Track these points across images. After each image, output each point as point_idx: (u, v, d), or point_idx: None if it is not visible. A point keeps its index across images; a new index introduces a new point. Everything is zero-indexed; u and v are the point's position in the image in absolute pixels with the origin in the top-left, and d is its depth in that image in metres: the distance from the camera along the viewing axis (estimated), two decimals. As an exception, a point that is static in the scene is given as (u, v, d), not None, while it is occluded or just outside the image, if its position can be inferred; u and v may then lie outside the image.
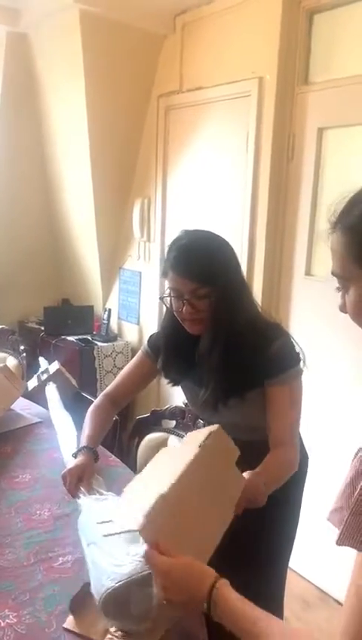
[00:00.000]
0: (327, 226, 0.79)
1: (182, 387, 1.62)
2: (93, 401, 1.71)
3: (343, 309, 0.83)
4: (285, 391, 1.41)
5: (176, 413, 1.85)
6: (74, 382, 2.35)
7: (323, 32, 2.43)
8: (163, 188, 3.25)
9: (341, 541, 0.72)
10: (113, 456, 1.86)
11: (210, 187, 2.94)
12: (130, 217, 3.44)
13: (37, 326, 3.80)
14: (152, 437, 1.90)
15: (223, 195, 2.86)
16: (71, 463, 1.48)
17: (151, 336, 1.66)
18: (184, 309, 1.39)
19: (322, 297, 2.47)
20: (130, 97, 3.18)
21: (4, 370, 2.17)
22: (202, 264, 1.38)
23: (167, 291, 1.44)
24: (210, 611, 0.87)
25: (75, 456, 1.50)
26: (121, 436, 2.06)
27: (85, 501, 1.32)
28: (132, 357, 3.63)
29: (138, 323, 3.60)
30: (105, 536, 1.04)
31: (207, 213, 2.96)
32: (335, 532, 0.82)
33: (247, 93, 2.61)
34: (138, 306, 3.58)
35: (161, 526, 0.93)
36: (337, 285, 0.82)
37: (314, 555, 2.47)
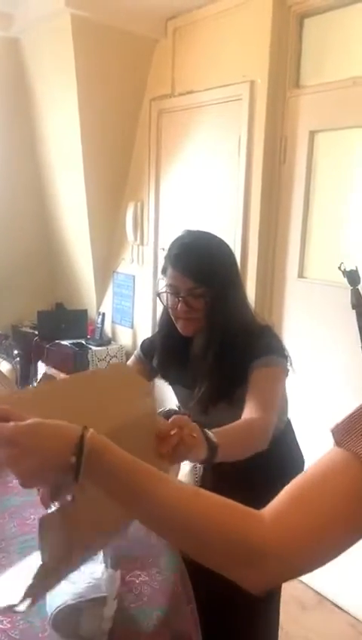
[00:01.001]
0: None
1: (173, 388, 1.62)
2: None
3: None
4: (268, 372, 1.38)
5: (170, 416, 1.84)
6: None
7: (314, 36, 2.45)
8: (156, 191, 3.25)
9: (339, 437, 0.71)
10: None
11: (203, 190, 2.95)
12: (123, 221, 3.44)
13: (31, 330, 3.79)
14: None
15: (216, 198, 2.87)
16: None
17: (143, 341, 1.66)
18: (179, 306, 1.40)
19: (315, 299, 2.48)
20: (123, 101, 3.18)
21: (-2, 374, 2.16)
22: (201, 264, 1.39)
23: (165, 288, 1.44)
24: (82, 465, 0.72)
25: None
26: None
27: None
28: (126, 361, 3.64)
29: (132, 326, 3.60)
30: None
31: (199, 216, 2.97)
32: None
33: (239, 96, 2.62)
34: (132, 310, 3.58)
35: None
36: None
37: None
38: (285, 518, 0.69)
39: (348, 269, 2.08)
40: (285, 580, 0.73)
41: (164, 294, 1.45)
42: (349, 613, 2.33)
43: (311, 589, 2.53)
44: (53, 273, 4.05)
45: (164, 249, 3.26)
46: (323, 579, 2.48)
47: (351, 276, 2.09)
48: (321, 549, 0.69)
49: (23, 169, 3.66)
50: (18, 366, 2.77)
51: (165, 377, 1.59)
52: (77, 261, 3.78)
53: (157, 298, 1.49)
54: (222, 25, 2.69)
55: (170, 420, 1.09)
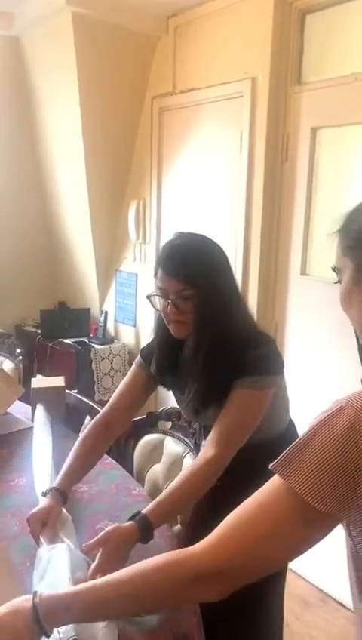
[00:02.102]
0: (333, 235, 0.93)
1: (172, 393, 1.61)
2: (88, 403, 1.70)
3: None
4: (251, 395, 1.36)
5: (172, 415, 1.84)
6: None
7: (316, 32, 2.44)
8: (158, 189, 3.25)
9: (273, 465, 0.80)
10: (110, 459, 1.85)
11: (205, 188, 2.95)
12: (125, 219, 3.44)
13: (34, 329, 3.79)
14: (149, 439, 1.90)
15: (218, 195, 2.86)
16: (40, 501, 1.39)
17: (143, 347, 1.62)
18: (169, 309, 1.39)
19: (317, 297, 2.47)
20: (124, 99, 3.18)
21: (1, 373, 2.16)
22: (190, 266, 1.37)
23: (155, 291, 1.43)
24: (42, 620, 0.85)
25: (44, 494, 1.40)
26: (118, 438, 2.05)
27: (41, 552, 1.23)
28: (129, 359, 3.65)
29: (134, 325, 3.60)
30: None
31: (202, 214, 2.96)
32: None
33: (240, 93, 2.61)
34: (134, 308, 3.57)
35: None
36: (335, 281, 0.95)
37: (314, 555, 2.46)
38: (226, 538, 0.82)
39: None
40: (235, 587, 0.83)
41: (155, 297, 1.43)
42: (352, 611, 2.33)
43: (315, 586, 2.53)
44: (55, 272, 4.06)
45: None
46: (327, 576, 2.48)
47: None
48: (255, 563, 0.82)
49: (25, 168, 3.67)
50: (21, 365, 2.77)
51: (162, 383, 1.57)
52: (79, 260, 3.78)
53: (149, 302, 1.46)
54: (223, 22, 2.68)
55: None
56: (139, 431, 1.94)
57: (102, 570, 1.10)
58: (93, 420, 1.58)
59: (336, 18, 2.33)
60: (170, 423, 1.87)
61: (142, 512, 1.24)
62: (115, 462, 1.83)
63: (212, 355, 1.38)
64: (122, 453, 1.97)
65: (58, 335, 3.61)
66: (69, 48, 2.86)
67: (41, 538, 1.29)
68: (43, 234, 3.91)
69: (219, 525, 0.84)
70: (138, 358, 1.61)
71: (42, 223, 3.88)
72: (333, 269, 0.94)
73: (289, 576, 2.67)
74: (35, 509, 1.35)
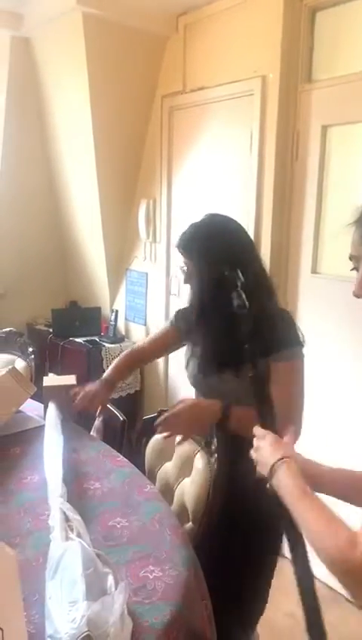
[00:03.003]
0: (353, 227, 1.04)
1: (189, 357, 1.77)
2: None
3: (354, 292, 1.03)
4: (286, 367, 1.47)
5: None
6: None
7: (326, 30, 2.43)
8: (168, 188, 3.25)
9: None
10: (121, 457, 1.86)
11: (215, 187, 2.95)
12: (135, 218, 3.45)
13: (45, 328, 3.82)
14: (160, 437, 1.90)
15: (228, 194, 2.86)
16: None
17: (178, 310, 1.88)
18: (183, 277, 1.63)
19: (328, 295, 2.46)
20: (134, 99, 3.19)
21: (13, 372, 2.18)
22: (188, 238, 1.59)
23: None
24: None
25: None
26: (129, 436, 2.06)
27: (53, 550, 1.25)
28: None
29: (145, 324, 3.61)
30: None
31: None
32: None
33: (250, 92, 2.61)
34: (145, 307, 3.58)
35: None
36: (351, 269, 1.04)
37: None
38: None
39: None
40: None
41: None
42: (365, 610, 2.32)
43: (326, 585, 2.52)
44: (66, 272, 4.08)
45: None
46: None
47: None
48: None
49: (36, 169, 3.69)
50: (33, 363, 2.78)
51: (188, 338, 1.77)
52: (90, 259, 3.80)
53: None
54: (233, 20, 2.68)
55: None
56: (150, 429, 1.94)
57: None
58: (133, 347, 2.06)
59: (347, 15, 2.32)
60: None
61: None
62: (126, 460, 1.84)
63: (221, 325, 1.49)
64: (134, 451, 1.98)
65: (69, 334, 3.63)
66: (79, 48, 2.87)
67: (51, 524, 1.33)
68: (54, 234, 3.93)
69: None
70: (171, 318, 1.91)
71: (53, 223, 3.90)
72: (350, 258, 1.04)
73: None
74: (86, 389, 1.72)
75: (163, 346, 1.95)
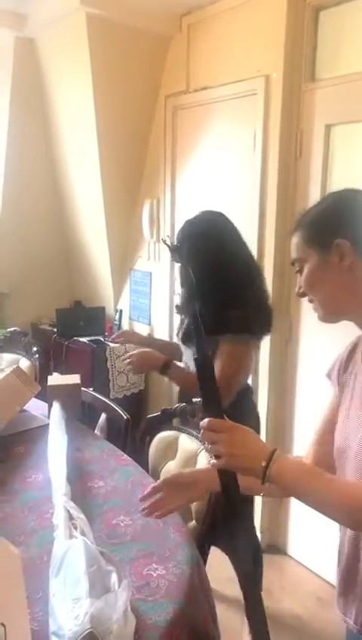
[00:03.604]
0: (290, 233, 1.15)
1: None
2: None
3: (298, 292, 1.12)
4: (226, 349, 1.80)
5: (187, 412, 1.85)
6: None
7: (329, 29, 2.43)
8: (172, 188, 3.26)
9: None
10: (125, 455, 1.87)
11: (219, 186, 2.95)
12: (139, 218, 3.45)
13: (49, 328, 3.83)
14: (163, 436, 1.91)
15: (232, 193, 2.87)
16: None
17: None
18: None
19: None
20: (138, 99, 3.19)
21: (18, 371, 2.19)
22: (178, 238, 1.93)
23: None
24: (268, 466, 0.94)
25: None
26: (133, 435, 2.07)
27: (56, 548, 1.26)
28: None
29: (149, 323, 3.61)
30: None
31: (215, 213, 2.97)
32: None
33: (254, 91, 2.61)
34: (149, 307, 3.59)
35: None
36: (296, 271, 1.13)
37: (327, 552, 2.46)
38: None
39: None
40: None
41: None
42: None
43: (329, 583, 2.53)
44: (71, 271, 4.09)
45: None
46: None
47: None
48: None
49: (40, 169, 3.70)
50: (37, 363, 2.80)
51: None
52: (94, 259, 3.81)
53: None
54: (236, 19, 2.68)
55: None
56: (154, 428, 1.96)
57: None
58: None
59: (350, 14, 2.32)
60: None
61: None
62: (130, 459, 1.85)
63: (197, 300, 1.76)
64: (137, 450, 1.99)
65: (74, 333, 3.63)
66: (82, 49, 2.88)
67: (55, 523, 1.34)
68: (58, 234, 3.94)
69: None
70: None
71: (57, 223, 3.91)
72: (292, 263, 1.14)
73: (302, 574, 2.69)
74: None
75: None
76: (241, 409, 1.90)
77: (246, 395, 2.03)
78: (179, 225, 3.25)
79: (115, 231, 3.54)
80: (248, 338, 1.85)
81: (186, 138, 3.12)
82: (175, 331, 2.27)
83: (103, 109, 3.07)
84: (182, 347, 2.06)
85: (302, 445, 1.24)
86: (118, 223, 3.53)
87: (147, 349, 2.07)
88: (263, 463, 0.93)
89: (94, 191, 3.37)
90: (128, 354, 2.04)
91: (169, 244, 1.96)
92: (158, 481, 1.33)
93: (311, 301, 1.13)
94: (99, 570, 1.12)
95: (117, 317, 3.67)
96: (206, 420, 0.98)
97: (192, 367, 1.94)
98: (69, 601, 1.04)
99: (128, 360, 2.02)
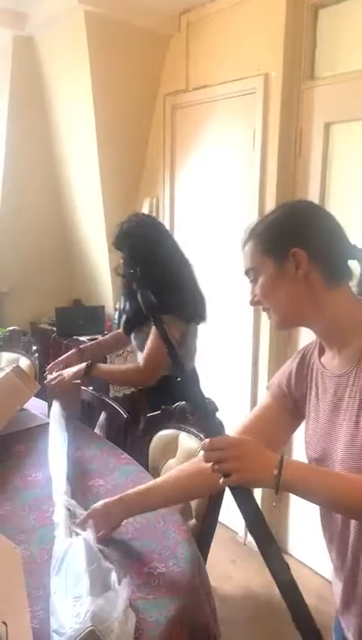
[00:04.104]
0: (242, 243, 1.14)
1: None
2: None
3: (252, 301, 1.12)
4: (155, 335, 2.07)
5: (186, 411, 1.86)
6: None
7: (329, 27, 2.43)
8: (171, 187, 3.26)
9: None
10: (125, 454, 1.87)
11: (218, 185, 2.95)
12: (139, 217, 3.45)
13: (49, 327, 3.83)
14: (163, 434, 1.91)
15: (231, 192, 2.87)
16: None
17: None
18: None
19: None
20: (137, 97, 3.19)
21: (17, 370, 2.18)
22: (117, 238, 2.26)
23: None
24: (280, 474, 0.91)
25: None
26: (133, 434, 2.07)
27: (57, 546, 1.26)
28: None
29: (149, 322, 3.61)
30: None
31: (215, 211, 2.97)
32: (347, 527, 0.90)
33: (253, 90, 2.61)
34: (148, 305, 3.58)
35: None
36: (250, 280, 1.12)
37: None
38: None
39: None
40: None
41: None
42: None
43: (329, 582, 2.53)
44: (70, 270, 4.08)
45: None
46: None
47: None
48: None
49: (39, 167, 3.69)
50: (37, 362, 2.80)
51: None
52: (93, 258, 3.80)
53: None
54: (235, 18, 2.68)
55: None
56: (154, 427, 1.96)
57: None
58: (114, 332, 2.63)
59: (349, 13, 2.32)
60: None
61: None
62: (130, 457, 1.85)
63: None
64: (137, 448, 1.99)
65: (73, 332, 3.63)
66: (81, 47, 2.88)
67: (56, 533, 1.32)
68: (57, 232, 3.93)
69: None
70: None
71: (56, 221, 3.90)
72: (246, 273, 1.12)
73: (303, 572, 2.69)
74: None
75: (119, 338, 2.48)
76: (164, 393, 2.06)
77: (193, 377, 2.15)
78: (178, 223, 3.29)
79: (114, 229, 3.53)
80: (168, 319, 1.87)
81: (185, 136, 3.12)
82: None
83: (102, 108, 3.06)
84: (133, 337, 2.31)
85: (302, 445, 1.24)
86: (118, 221, 3.49)
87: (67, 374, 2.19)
88: (275, 472, 0.91)
89: (93, 189, 3.36)
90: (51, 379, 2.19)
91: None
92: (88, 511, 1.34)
93: (265, 310, 1.13)
94: (99, 569, 1.12)
95: (116, 315, 3.66)
96: (206, 441, 0.96)
97: (140, 355, 2.24)
98: (70, 599, 1.04)
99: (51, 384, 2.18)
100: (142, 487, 1.35)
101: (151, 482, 1.39)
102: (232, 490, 0.95)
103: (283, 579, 0.91)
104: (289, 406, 1.20)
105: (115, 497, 1.34)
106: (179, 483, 1.30)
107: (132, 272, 2.13)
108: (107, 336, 2.69)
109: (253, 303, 1.12)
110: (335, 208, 2.45)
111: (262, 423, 1.22)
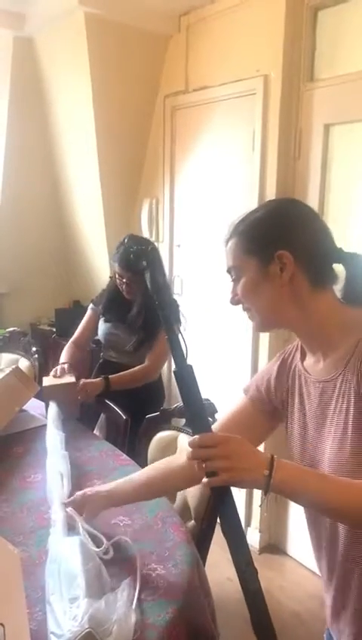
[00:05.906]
0: (225, 239, 1.12)
1: (105, 324, 2.59)
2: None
3: (233, 300, 1.10)
4: (159, 339, 2.37)
5: (184, 412, 1.85)
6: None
7: (328, 29, 2.43)
8: (170, 188, 3.26)
9: None
10: (124, 455, 1.87)
11: (218, 186, 2.95)
12: (138, 218, 3.45)
13: (48, 328, 3.83)
14: (162, 435, 1.91)
15: (231, 193, 2.87)
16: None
17: (94, 298, 2.70)
18: (123, 287, 2.43)
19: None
20: (137, 98, 3.19)
21: (17, 371, 2.19)
22: (129, 261, 2.22)
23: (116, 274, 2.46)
24: (271, 475, 0.87)
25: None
26: (132, 435, 2.07)
27: (52, 544, 1.26)
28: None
29: (148, 323, 3.60)
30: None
31: (214, 212, 2.97)
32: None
33: (253, 91, 2.61)
34: (148, 306, 3.58)
35: None
36: (232, 279, 1.10)
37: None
38: None
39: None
40: None
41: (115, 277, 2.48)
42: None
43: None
44: (69, 271, 4.08)
45: (179, 245, 3.27)
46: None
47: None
48: None
49: (39, 168, 3.69)
50: (36, 363, 2.80)
51: (104, 317, 2.59)
52: (93, 259, 3.80)
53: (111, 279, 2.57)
54: (235, 19, 2.68)
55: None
56: (153, 428, 1.96)
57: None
58: (68, 344, 2.64)
59: (349, 14, 2.32)
60: (183, 420, 1.88)
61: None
62: (129, 458, 1.85)
63: (147, 316, 2.37)
64: (136, 449, 1.99)
65: (73, 333, 3.62)
66: (81, 48, 2.88)
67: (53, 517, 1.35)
68: (57, 233, 3.93)
69: None
70: (92, 305, 2.68)
71: (56, 223, 3.90)
72: (228, 271, 1.11)
73: (302, 573, 2.70)
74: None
75: (93, 327, 2.66)
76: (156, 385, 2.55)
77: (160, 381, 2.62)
78: (178, 224, 3.29)
79: (113, 230, 3.53)
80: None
81: (185, 138, 3.12)
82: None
83: (102, 109, 3.06)
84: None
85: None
86: (117, 222, 3.53)
87: None
88: (265, 472, 0.87)
89: (93, 190, 3.36)
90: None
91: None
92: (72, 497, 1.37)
93: (246, 309, 1.09)
94: (95, 568, 1.12)
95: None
96: (195, 437, 0.91)
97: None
98: (66, 600, 1.04)
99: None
100: (119, 481, 1.38)
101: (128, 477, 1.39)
102: (214, 489, 0.91)
103: (250, 587, 0.88)
104: (267, 410, 1.18)
105: (94, 489, 1.39)
106: (155, 482, 1.32)
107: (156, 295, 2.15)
108: (68, 354, 2.59)
109: (234, 302, 1.09)
110: (335, 209, 2.47)
111: (237, 427, 1.18)
